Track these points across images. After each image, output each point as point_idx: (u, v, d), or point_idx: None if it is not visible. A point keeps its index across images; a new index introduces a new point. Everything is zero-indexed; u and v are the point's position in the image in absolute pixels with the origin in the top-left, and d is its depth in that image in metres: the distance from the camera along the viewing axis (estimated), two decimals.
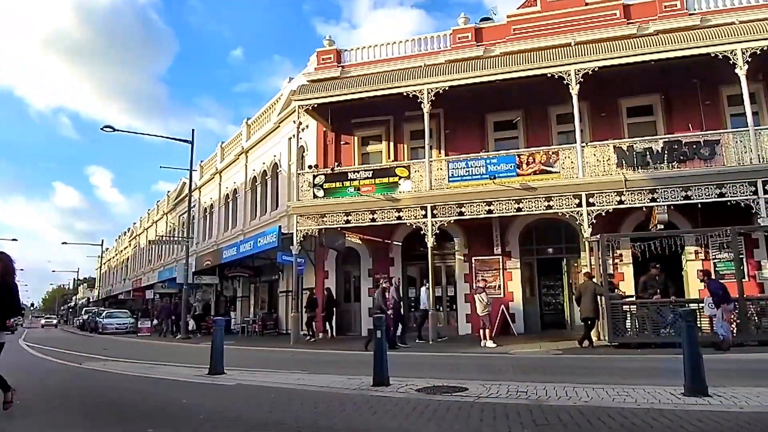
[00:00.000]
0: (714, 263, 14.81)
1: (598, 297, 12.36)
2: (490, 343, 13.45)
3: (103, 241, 66.79)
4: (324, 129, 20.18)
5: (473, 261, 17.33)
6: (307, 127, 21.36)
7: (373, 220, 16.34)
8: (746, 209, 13.65)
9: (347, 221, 16.64)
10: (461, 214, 15.37)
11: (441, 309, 17.47)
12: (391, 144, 19.23)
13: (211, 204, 33.89)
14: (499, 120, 18.17)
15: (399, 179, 16.23)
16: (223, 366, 9.26)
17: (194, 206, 37.83)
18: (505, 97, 17.15)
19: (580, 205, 14.21)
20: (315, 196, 17.17)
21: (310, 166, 18.25)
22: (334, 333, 18.44)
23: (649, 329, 11.76)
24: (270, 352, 15.65)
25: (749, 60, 13.40)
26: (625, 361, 10.50)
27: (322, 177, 17.22)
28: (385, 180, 16.43)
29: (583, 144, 14.53)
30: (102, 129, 20.89)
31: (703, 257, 14.99)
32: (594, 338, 12.65)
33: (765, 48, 13.41)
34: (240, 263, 24.98)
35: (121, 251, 64.79)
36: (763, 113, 15.15)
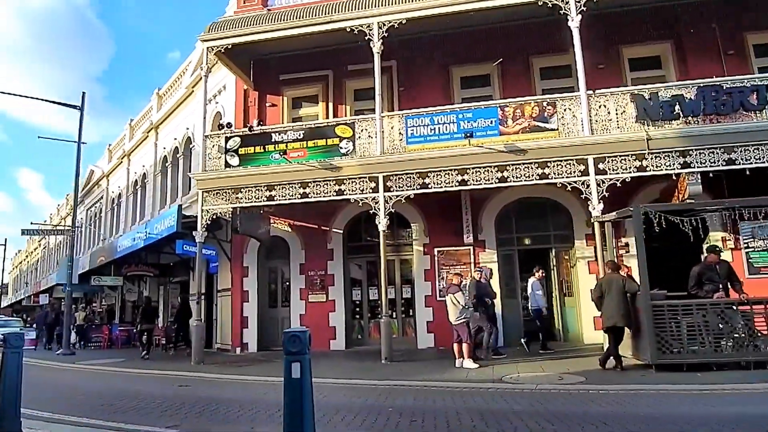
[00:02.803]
0: (747, 253, 11.53)
1: (629, 296, 8.53)
2: (469, 363, 9.43)
3: (6, 240, 59.07)
4: (245, 87, 15.67)
5: (436, 253, 13.28)
6: (224, 88, 16.90)
7: (305, 195, 12.06)
8: None
9: (270, 197, 12.25)
10: (425, 186, 11.31)
11: (395, 315, 13.36)
12: (330, 105, 14.93)
13: (119, 194, 28.34)
14: (468, 75, 14.27)
15: (340, 141, 12.03)
16: (21, 421, 5.45)
17: (102, 197, 32.69)
18: (477, 46, 13.77)
19: (586, 172, 10.47)
20: (228, 165, 12.73)
21: (221, 126, 13.69)
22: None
23: (708, 342, 7.98)
24: (155, 379, 11.05)
25: None
26: (728, 400, 6.37)
27: (238, 139, 12.78)
28: (322, 142, 12.18)
29: (590, 91, 10.83)
30: None
31: (732, 246, 11.65)
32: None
33: None
34: (142, 260, 20.01)
35: (32, 252, 57.96)
36: None
